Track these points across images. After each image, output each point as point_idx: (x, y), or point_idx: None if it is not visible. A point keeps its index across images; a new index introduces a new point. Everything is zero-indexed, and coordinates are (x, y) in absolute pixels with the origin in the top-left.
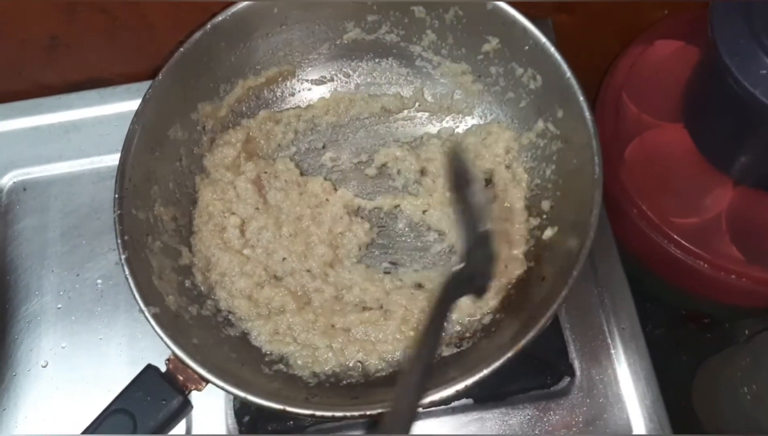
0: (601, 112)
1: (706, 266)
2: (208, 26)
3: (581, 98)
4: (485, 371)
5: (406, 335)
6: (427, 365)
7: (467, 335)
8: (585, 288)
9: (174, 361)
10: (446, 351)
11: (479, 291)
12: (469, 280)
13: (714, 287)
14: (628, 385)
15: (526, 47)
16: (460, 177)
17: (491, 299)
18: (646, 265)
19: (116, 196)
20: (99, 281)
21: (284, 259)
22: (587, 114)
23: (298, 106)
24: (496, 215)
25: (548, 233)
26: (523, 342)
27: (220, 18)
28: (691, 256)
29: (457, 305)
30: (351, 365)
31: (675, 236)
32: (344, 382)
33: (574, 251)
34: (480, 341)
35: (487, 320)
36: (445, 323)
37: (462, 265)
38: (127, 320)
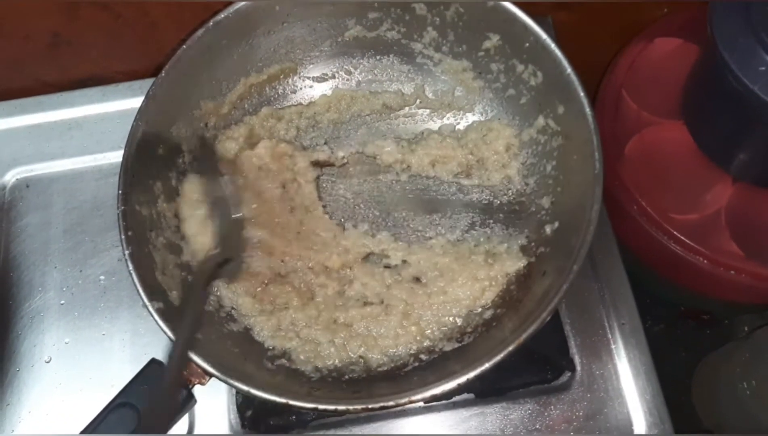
0: (601, 109)
1: (705, 261)
2: (210, 23)
3: (582, 94)
4: (486, 365)
5: (407, 329)
6: (183, 345)
7: (468, 329)
8: (585, 284)
9: None
10: (448, 346)
11: (232, 276)
12: (222, 264)
13: (713, 283)
14: (628, 380)
15: (527, 44)
16: (209, 169)
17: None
18: (645, 261)
19: (120, 192)
20: (102, 277)
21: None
22: (588, 110)
23: (300, 104)
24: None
25: (549, 228)
26: (523, 336)
27: (222, 15)
28: (691, 252)
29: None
30: (353, 359)
31: (674, 232)
32: (346, 377)
33: (575, 246)
34: (481, 336)
35: (488, 314)
36: (201, 305)
37: (217, 250)
38: (129, 315)
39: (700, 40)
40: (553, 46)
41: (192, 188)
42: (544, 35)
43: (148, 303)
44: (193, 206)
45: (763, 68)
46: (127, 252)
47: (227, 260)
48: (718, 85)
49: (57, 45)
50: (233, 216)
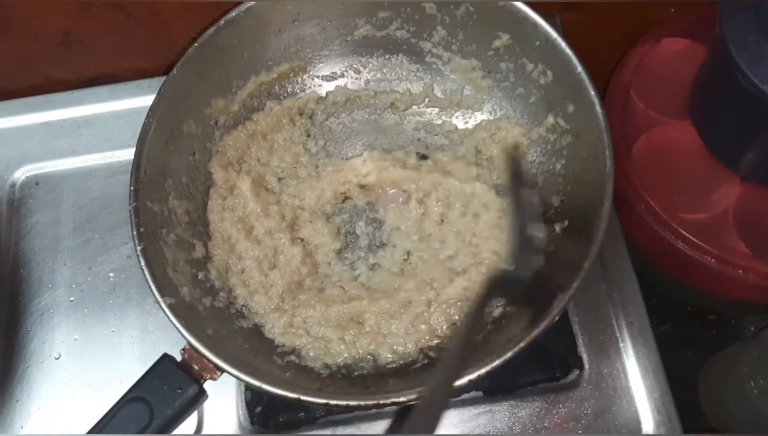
0: (609, 109)
1: (713, 261)
2: (222, 22)
3: (592, 93)
4: (496, 362)
5: (417, 328)
6: (463, 352)
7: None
8: (593, 283)
9: (189, 351)
10: None
11: (515, 300)
12: (512, 284)
13: (721, 283)
14: (636, 378)
15: (537, 43)
16: (516, 178)
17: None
18: (652, 260)
19: (132, 188)
20: (111, 274)
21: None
22: (598, 108)
23: (309, 100)
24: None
25: (558, 226)
26: (533, 334)
27: (233, 14)
28: (698, 251)
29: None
30: (362, 356)
31: (682, 231)
32: (356, 373)
33: (585, 244)
34: (490, 334)
35: (497, 312)
36: (481, 319)
37: (512, 267)
38: (139, 312)
39: (708, 41)
40: (563, 44)
41: (224, 176)
42: (554, 34)
43: (160, 299)
44: (232, 195)
45: None
46: (139, 248)
47: (517, 281)
48: (727, 84)
49: (68, 43)
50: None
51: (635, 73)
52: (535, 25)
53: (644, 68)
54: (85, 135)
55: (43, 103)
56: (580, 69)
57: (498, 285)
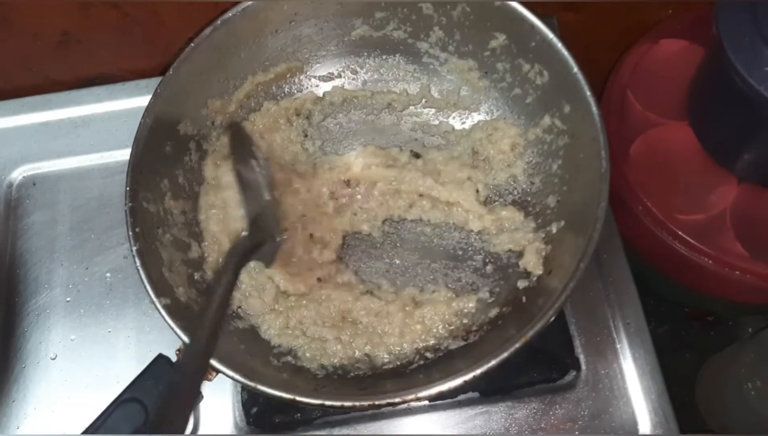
0: (606, 109)
1: (710, 262)
2: (219, 22)
3: (588, 93)
4: (492, 362)
5: (412, 327)
6: (212, 326)
7: (474, 328)
8: (590, 283)
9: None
10: (453, 344)
11: (267, 259)
12: (256, 247)
13: (718, 284)
14: (633, 379)
15: (533, 43)
16: (242, 152)
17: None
18: (650, 261)
19: (127, 189)
20: (108, 274)
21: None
22: (594, 109)
23: (306, 100)
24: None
25: (555, 227)
26: (529, 335)
27: (230, 14)
28: (696, 252)
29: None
30: (358, 357)
31: (680, 233)
32: (352, 374)
33: (581, 244)
34: (487, 334)
35: (493, 313)
36: (230, 291)
37: (246, 233)
38: (135, 313)
39: (705, 42)
40: (559, 45)
41: (214, 172)
42: (550, 34)
43: (155, 299)
44: (218, 190)
45: None
46: (134, 248)
47: (260, 244)
48: (724, 85)
49: (66, 43)
50: (266, 198)
51: (632, 73)
52: (531, 25)
53: (641, 69)
54: (83, 135)
55: (41, 103)
56: (576, 69)
57: (242, 252)
